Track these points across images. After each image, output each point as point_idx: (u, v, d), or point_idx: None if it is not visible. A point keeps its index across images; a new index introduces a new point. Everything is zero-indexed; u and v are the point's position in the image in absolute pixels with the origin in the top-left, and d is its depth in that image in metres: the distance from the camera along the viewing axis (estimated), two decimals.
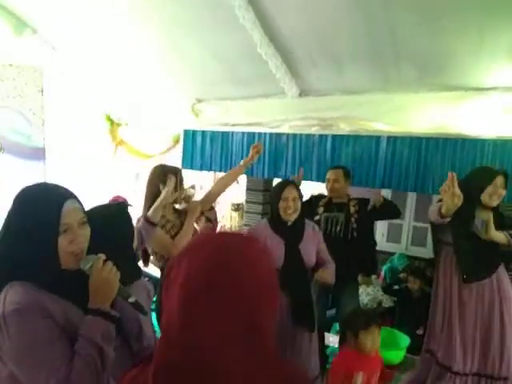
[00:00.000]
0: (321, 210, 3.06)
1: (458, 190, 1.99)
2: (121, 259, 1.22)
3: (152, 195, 2.27)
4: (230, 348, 0.66)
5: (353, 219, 2.97)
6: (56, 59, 3.91)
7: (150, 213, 2.18)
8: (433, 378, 2.51)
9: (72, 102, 4.27)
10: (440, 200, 2.28)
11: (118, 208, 1.66)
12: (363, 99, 3.11)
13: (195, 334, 0.66)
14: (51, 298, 1.08)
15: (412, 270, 3.97)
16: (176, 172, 2.35)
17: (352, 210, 3.00)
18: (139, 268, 1.76)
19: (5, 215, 1.12)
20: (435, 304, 2.56)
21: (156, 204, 2.17)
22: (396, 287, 3.88)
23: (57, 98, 4.13)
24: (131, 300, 1.22)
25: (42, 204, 1.11)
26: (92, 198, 1.96)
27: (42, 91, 3.94)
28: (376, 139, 3.13)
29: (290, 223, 2.27)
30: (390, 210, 3.06)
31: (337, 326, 3.49)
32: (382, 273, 4.86)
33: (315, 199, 3.24)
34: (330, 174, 3.06)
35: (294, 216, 2.25)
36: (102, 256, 1.17)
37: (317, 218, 3.03)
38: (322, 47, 2.87)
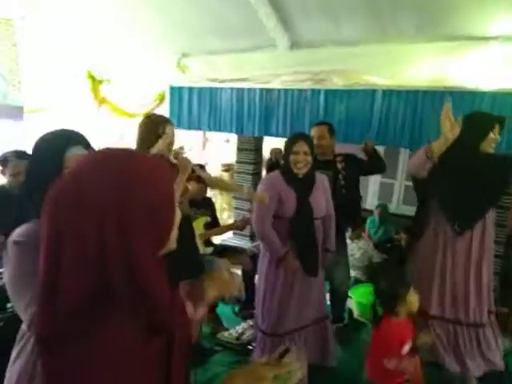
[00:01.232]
0: None
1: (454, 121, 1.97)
2: None
3: (137, 148, 2.13)
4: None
5: (340, 176, 2.88)
6: (26, 10, 3.63)
7: None
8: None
9: (49, 58, 4.02)
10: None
11: None
12: (358, 51, 2.96)
13: None
14: None
15: (406, 229, 3.97)
16: (170, 121, 2.21)
17: (339, 166, 2.90)
18: None
19: None
20: (417, 260, 2.47)
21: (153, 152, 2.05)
22: (388, 245, 3.90)
23: (31, 53, 3.87)
24: None
25: (46, 148, 1.16)
26: None
27: (16, 45, 3.68)
28: (371, 93, 3.00)
29: (300, 176, 2.30)
30: (378, 164, 2.97)
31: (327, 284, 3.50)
32: (367, 227, 4.86)
33: None
34: (314, 131, 2.89)
35: (305, 170, 2.28)
36: None
37: None
38: None
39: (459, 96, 2.71)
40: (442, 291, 2.32)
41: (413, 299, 1.96)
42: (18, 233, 1.15)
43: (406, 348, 1.94)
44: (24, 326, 1.20)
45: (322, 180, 2.44)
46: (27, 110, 3.85)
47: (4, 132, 3.65)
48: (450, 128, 1.98)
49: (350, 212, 2.96)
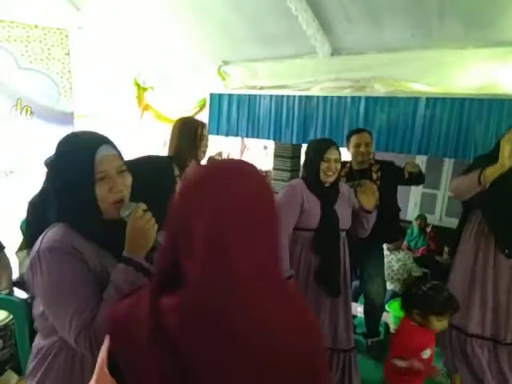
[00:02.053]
0: (343, 180, 2.78)
1: None
2: (162, 213, 1.18)
3: (176, 150, 2.17)
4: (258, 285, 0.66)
5: (375, 186, 2.78)
6: (81, 21, 3.83)
7: None
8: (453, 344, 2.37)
9: (98, 65, 4.21)
10: (465, 172, 2.12)
11: (165, 161, 1.63)
12: (401, 57, 2.89)
13: (225, 271, 0.65)
14: (89, 245, 1.07)
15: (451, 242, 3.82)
16: (204, 124, 2.25)
17: (374, 176, 2.78)
18: None
19: (39, 175, 1.16)
20: (458, 272, 2.36)
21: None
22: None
23: (84, 62, 4.07)
24: None
25: (75, 150, 1.08)
26: None
27: (69, 54, 3.89)
28: (414, 101, 2.90)
29: (327, 184, 2.18)
30: (418, 178, 2.82)
31: (360, 299, 3.42)
32: (406, 239, 4.70)
33: None
34: (359, 138, 2.77)
35: (333, 178, 2.17)
36: (143, 205, 1.12)
37: None
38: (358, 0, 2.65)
39: (509, 104, 2.58)
40: (483, 308, 2.20)
41: (434, 324, 1.91)
42: (50, 238, 1.06)
43: (428, 353, 1.89)
44: (48, 341, 1.12)
45: (346, 190, 2.32)
46: (76, 116, 4.05)
47: (55, 137, 3.85)
48: (509, 155, 1.88)
49: (386, 223, 2.84)
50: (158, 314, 0.65)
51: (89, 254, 1.06)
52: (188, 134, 2.17)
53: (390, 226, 2.94)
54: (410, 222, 4.75)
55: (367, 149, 2.74)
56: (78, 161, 1.06)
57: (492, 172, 1.96)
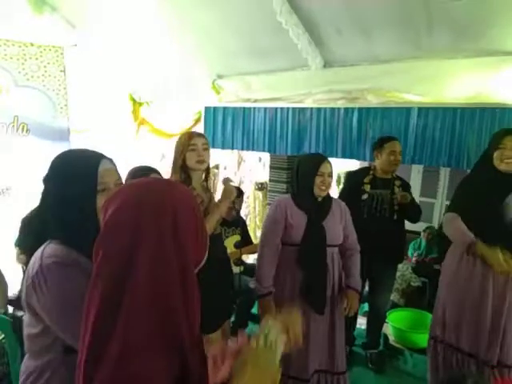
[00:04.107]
0: (368, 187, 2.77)
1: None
2: None
3: (177, 162, 2.16)
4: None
5: (395, 201, 2.73)
6: (76, 38, 3.87)
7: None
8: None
9: (94, 81, 4.25)
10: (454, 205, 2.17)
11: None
12: (392, 68, 2.91)
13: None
14: (88, 261, 1.06)
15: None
16: (199, 135, 2.25)
17: (396, 190, 2.76)
18: None
19: (35, 192, 1.17)
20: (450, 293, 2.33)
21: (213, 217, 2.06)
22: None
23: (79, 78, 4.11)
24: None
25: (80, 164, 1.12)
26: None
27: (65, 70, 3.93)
28: (406, 111, 2.92)
29: (319, 199, 2.18)
30: (413, 214, 2.83)
31: (365, 306, 3.39)
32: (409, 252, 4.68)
33: (354, 176, 3.01)
34: (394, 146, 2.72)
35: (326, 192, 2.17)
36: None
37: (364, 197, 2.75)
38: (348, 13, 2.68)
39: (500, 113, 2.60)
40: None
41: None
42: (50, 254, 1.06)
43: None
44: (43, 360, 1.09)
45: (340, 206, 2.27)
46: (72, 131, 4.07)
47: (51, 154, 3.85)
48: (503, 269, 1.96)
49: (397, 240, 2.81)
50: None
51: (90, 268, 1.05)
52: (179, 146, 2.19)
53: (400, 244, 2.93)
54: (410, 232, 4.73)
55: (399, 157, 2.75)
56: (82, 173, 1.10)
57: (483, 253, 2.01)
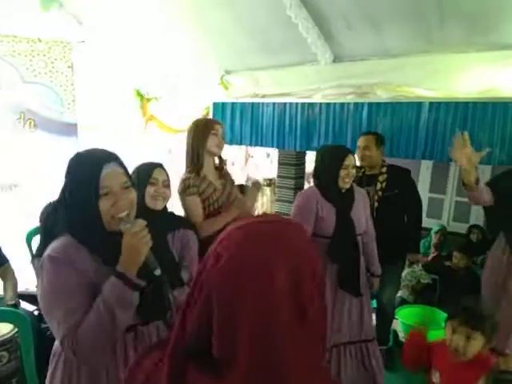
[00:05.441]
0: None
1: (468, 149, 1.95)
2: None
3: (194, 147, 2.15)
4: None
5: (376, 197, 2.72)
6: (84, 34, 3.87)
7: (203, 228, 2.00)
8: None
9: (102, 77, 4.24)
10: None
11: None
12: (403, 63, 2.88)
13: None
14: (91, 258, 1.14)
15: (461, 247, 3.80)
16: (217, 121, 2.25)
17: (378, 186, 2.74)
18: None
19: (44, 188, 1.20)
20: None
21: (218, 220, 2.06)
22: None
23: (87, 74, 4.11)
24: (156, 273, 1.19)
25: (82, 167, 1.15)
26: None
27: (72, 67, 3.93)
28: (417, 106, 2.88)
29: (343, 191, 2.23)
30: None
31: (374, 303, 3.37)
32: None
33: None
34: (360, 141, 2.79)
35: (349, 184, 2.23)
36: (142, 222, 1.15)
37: None
38: (358, 6, 2.66)
39: None
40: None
41: (448, 334, 1.70)
42: (53, 248, 1.14)
43: (434, 378, 1.74)
44: (57, 343, 1.18)
45: (362, 194, 2.36)
46: (81, 128, 4.08)
47: (58, 149, 3.87)
48: (467, 162, 1.95)
49: (396, 235, 2.73)
50: None
51: (87, 266, 1.13)
52: (199, 133, 2.18)
53: (406, 237, 2.86)
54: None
55: (365, 152, 2.73)
56: (84, 177, 1.13)
57: (465, 177, 2.04)
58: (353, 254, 2.23)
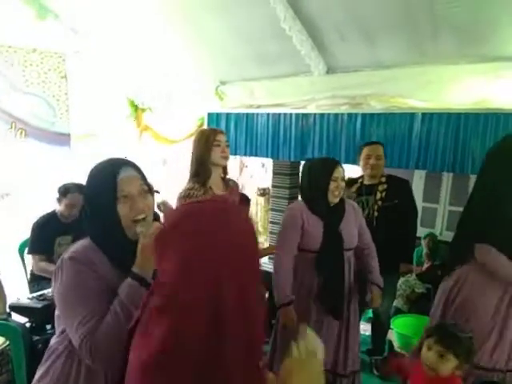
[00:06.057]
0: (354, 196, 2.77)
1: None
2: None
3: (198, 159, 2.16)
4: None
5: (376, 206, 2.71)
6: (78, 44, 3.88)
7: None
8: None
9: (97, 87, 4.24)
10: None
11: None
12: (396, 74, 2.92)
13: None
14: (110, 263, 1.15)
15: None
16: (220, 131, 2.25)
17: (378, 195, 2.73)
18: None
19: (36, 197, 1.21)
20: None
21: None
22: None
23: (81, 83, 4.10)
24: None
25: (99, 174, 1.19)
26: None
27: (66, 77, 3.93)
28: (410, 117, 2.91)
29: (332, 204, 2.14)
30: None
31: (369, 313, 3.37)
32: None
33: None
34: (371, 150, 2.73)
35: (340, 197, 2.15)
36: (158, 225, 1.16)
37: None
38: (351, 18, 2.69)
39: (505, 118, 2.59)
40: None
41: (424, 353, 1.68)
42: (73, 249, 1.16)
43: None
44: (56, 340, 1.20)
45: (353, 207, 2.26)
46: (75, 137, 4.06)
47: (51, 157, 3.85)
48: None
49: (394, 246, 2.70)
50: None
51: (106, 271, 1.14)
52: (201, 143, 2.19)
53: (402, 248, 2.83)
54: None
55: (377, 162, 2.71)
56: (101, 183, 1.17)
57: None
58: (339, 269, 2.13)
